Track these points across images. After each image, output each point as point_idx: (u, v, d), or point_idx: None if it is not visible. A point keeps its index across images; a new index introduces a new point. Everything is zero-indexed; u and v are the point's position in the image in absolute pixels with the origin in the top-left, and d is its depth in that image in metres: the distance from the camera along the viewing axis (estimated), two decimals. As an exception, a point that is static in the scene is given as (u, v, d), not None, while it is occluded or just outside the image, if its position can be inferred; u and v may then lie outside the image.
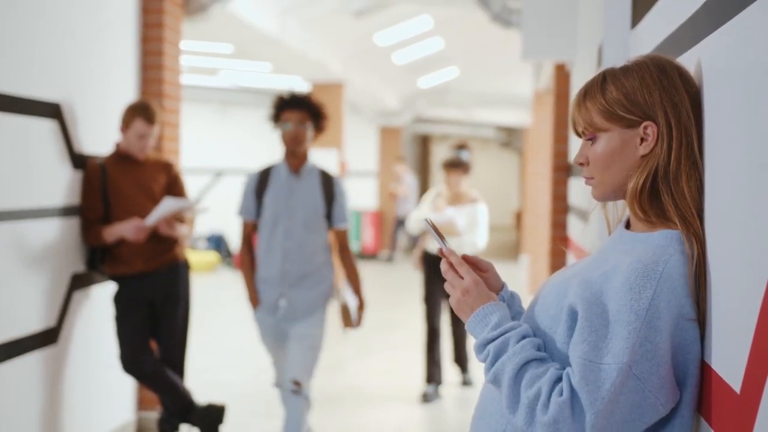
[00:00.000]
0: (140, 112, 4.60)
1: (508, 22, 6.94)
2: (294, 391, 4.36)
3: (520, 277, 13.15)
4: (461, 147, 7.26)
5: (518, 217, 19.67)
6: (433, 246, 6.57)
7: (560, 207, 6.61)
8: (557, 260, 6.55)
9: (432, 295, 6.64)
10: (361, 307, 4.65)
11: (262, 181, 4.58)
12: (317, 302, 4.53)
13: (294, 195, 4.52)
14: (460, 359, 6.92)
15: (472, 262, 1.79)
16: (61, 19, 4.36)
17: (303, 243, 4.50)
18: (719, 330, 1.48)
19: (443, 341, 6.75)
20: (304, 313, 4.49)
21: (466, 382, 6.94)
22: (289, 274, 4.50)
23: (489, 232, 6.76)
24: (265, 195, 4.54)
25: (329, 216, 4.57)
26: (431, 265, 6.59)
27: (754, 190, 1.31)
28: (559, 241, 6.46)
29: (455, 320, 6.74)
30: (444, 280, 1.74)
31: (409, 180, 16.83)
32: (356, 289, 4.64)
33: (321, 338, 4.55)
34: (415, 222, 6.57)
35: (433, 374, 6.58)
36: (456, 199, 6.52)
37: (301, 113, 4.48)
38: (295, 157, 4.53)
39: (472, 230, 6.40)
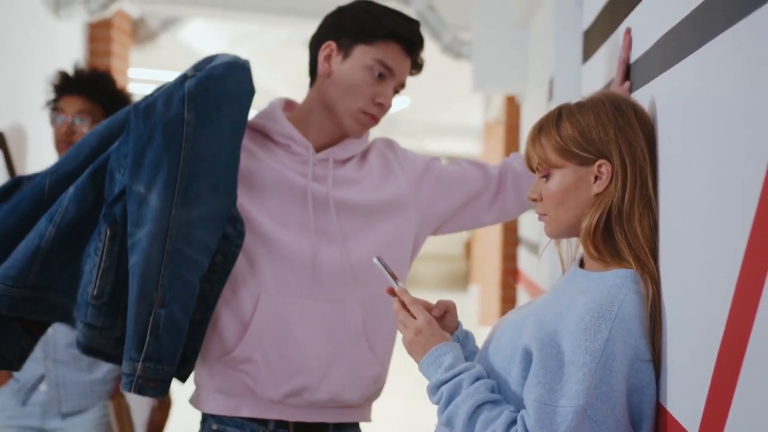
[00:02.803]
0: None
1: (458, 53, 6.94)
2: None
3: (470, 309, 13.13)
4: None
5: (468, 246, 19.70)
6: None
7: (511, 239, 6.60)
8: (508, 291, 6.55)
9: None
10: (162, 411, 3.08)
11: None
12: (96, 392, 2.91)
13: None
14: None
15: (424, 302, 1.76)
16: (7, 47, 4.28)
17: None
18: (675, 371, 1.46)
19: None
20: (74, 407, 2.88)
21: None
22: (53, 343, 2.85)
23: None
24: None
25: None
26: None
27: (708, 230, 1.30)
28: (510, 274, 6.45)
29: None
30: None
31: None
32: None
33: None
34: None
35: None
36: None
37: (82, 101, 2.92)
38: None
39: None
